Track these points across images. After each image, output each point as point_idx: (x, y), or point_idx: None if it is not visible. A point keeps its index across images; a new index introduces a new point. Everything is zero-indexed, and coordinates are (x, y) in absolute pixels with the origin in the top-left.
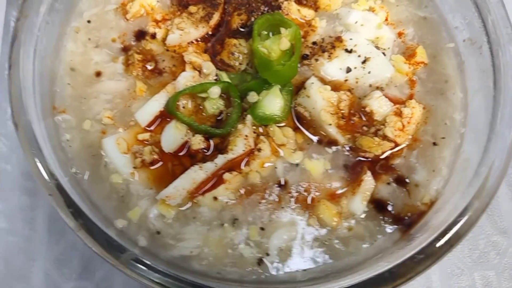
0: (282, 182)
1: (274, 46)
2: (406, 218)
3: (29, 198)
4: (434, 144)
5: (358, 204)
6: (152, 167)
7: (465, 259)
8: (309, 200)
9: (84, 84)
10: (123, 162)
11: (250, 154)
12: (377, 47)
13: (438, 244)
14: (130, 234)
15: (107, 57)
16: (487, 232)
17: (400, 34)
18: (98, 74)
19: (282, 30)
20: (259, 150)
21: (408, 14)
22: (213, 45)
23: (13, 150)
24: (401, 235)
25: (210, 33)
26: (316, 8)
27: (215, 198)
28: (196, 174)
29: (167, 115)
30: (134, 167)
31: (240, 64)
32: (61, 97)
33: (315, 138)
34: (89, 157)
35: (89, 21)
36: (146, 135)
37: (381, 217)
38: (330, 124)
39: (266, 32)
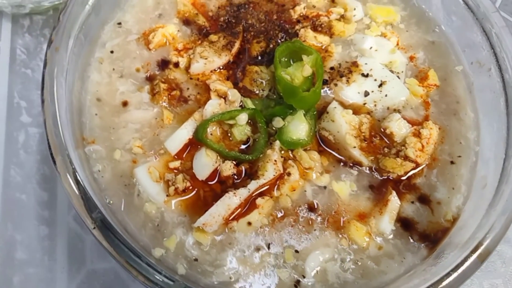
0: (313, 205)
1: (297, 73)
2: (432, 235)
3: (47, 228)
4: (452, 162)
5: (386, 223)
6: (185, 195)
7: None
8: (339, 221)
9: (111, 114)
10: (157, 191)
11: (280, 178)
12: (391, 71)
13: (469, 261)
14: (169, 262)
15: (132, 87)
16: None
17: (411, 58)
18: (125, 104)
19: (304, 57)
20: (288, 174)
21: (418, 39)
22: (235, 72)
23: (27, 179)
24: (428, 252)
25: (231, 60)
26: (331, 35)
27: (249, 223)
28: (231, 200)
29: (196, 142)
30: (168, 195)
31: (262, 90)
32: (90, 128)
33: (340, 161)
34: (122, 187)
35: (112, 52)
36: (176, 163)
37: (408, 235)
38: (355, 147)
39: (286, 59)
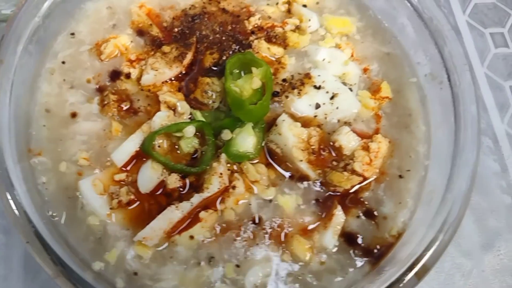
0: (257, 219)
1: (246, 85)
2: (376, 250)
3: (4, 236)
4: (400, 176)
5: (330, 238)
6: (129, 208)
7: (432, 282)
8: (282, 236)
9: (59, 125)
10: (100, 204)
11: (225, 191)
12: (344, 83)
13: (406, 278)
14: (108, 276)
15: (82, 98)
16: (452, 254)
17: (365, 70)
18: (74, 115)
19: (254, 69)
20: (233, 187)
21: (373, 50)
22: (187, 84)
23: None
24: (370, 268)
25: (183, 72)
26: (285, 46)
27: (192, 237)
28: (173, 214)
29: (143, 155)
30: (111, 208)
31: (213, 102)
32: (37, 140)
33: (287, 174)
34: (66, 199)
35: (63, 62)
36: (122, 176)
37: (351, 251)
38: (301, 160)
39: (237, 71)
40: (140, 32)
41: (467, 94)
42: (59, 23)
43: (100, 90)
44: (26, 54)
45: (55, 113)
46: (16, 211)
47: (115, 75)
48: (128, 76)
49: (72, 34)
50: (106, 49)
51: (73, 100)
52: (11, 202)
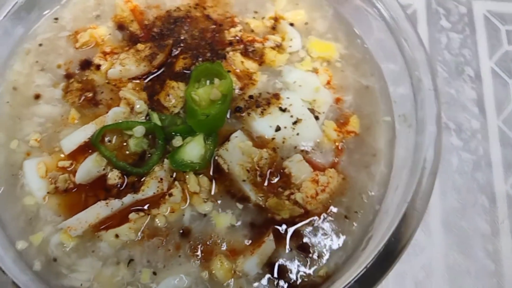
0: (185, 231)
1: (205, 95)
2: None
3: None
4: (346, 217)
5: (253, 265)
6: (65, 195)
7: None
8: (208, 253)
9: (22, 104)
10: (39, 186)
11: (162, 197)
12: (312, 109)
13: None
14: (28, 257)
15: (49, 82)
16: None
17: (338, 100)
18: (37, 96)
19: (216, 80)
20: (170, 195)
21: (352, 81)
22: (154, 84)
23: None
24: None
25: (152, 72)
26: (261, 62)
27: (117, 236)
28: (101, 209)
29: (91, 146)
30: (48, 192)
31: (174, 107)
32: None
33: (229, 192)
34: (9, 175)
35: (40, 44)
36: (67, 163)
37: (274, 283)
38: (244, 180)
39: (204, 80)
40: (121, 26)
41: (427, 143)
42: (44, 5)
43: (68, 76)
44: (6, 33)
45: (20, 92)
46: None
47: (86, 64)
48: (98, 67)
49: (56, 19)
50: (82, 38)
51: (40, 83)
52: None
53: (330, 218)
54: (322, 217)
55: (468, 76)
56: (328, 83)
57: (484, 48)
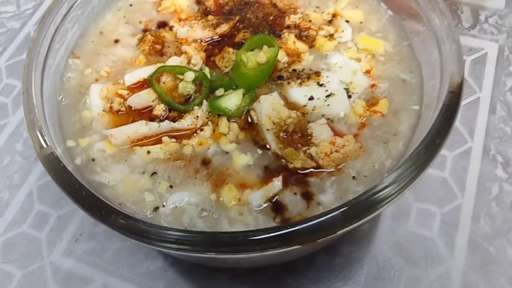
0: (206, 160)
1: (253, 58)
2: None
3: None
4: (354, 178)
5: (257, 197)
6: (117, 115)
7: None
8: (221, 181)
9: (103, 44)
10: (97, 104)
11: (194, 132)
12: (347, 89)
13: None
14: (73, 153)
15: (129, 32)
16: None
17: (373, 86)
18: (117, 41)
19: (265, 47)
20: (201, 129)
21: (391, 73)
22: (213, 48)
23: None
24: None
25: (214, 38)
26: (311, 46)
27: (148, 152)
28: (141, 127)
29: (148, 83)
30: (103, 110)
31: (225, 67)
32: (82, 49)
33: (253, 139)
34: (76, 92)
35: (131, 5)
36: (125, 92)
37: (272, 217)
38: (268, 130)
39: (256, 49)
40: (199, 1)
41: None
42: None
43: (145, 31)
44: None
45: (105, 35)
46: (32, 80)
47: (162, 25)
48: (171, 28)
49: None
50: (164, 3)
51: (121, 31)
52: (35, 75)
53: (338, 175)
54: (332, 174)
55: None
56: (368, 72)
57: None
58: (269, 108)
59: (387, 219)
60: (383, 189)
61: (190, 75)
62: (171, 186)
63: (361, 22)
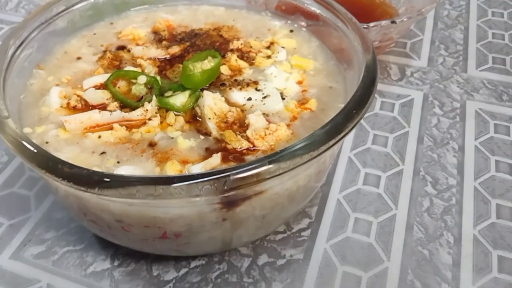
0: (153, 143)
1: (198, 65)
2: None
3: None
4: None
5: (197, 168)
6: (73, 111)
7: None
8: (165, 158)
9: (66, 61)
10: (56, 101)
11: (143, 123)
12: (282, 93)
13: None
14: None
15: (90, 52)
16: None
17: (304, 91)
18: (79, 58)
19: (209, 58)
20: (149, 119)
21: (320, 82)
22: (165, 64)
23: None
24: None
25: (167, 57)
26: (251, 64)
27: (99, 136)
28: (94, 114)
29: (104, 87)
30: (61, 106)
31: (175, 78)
32: (47, 63)
33: (197, 129)
34: (38, 93)
35: (94, 34)
36: (81, 93)
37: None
38: (210, 119)
39: (202, 60)
40: (155, 32)
41: None
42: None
43: (105, 51)
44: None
45: (68, 54)
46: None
47: (121, 48)
48: (128, 50)
49: (111, 23)
50: (124, 31)
51: (84, 51)
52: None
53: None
54: (265, 152)
55: (452, 148)
56: (300, 82)
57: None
58: (211, 102)
59: (326, 227)
60: (303, 141)
61: (142, 79)
62: (118, 162)
63: (294, 48)
